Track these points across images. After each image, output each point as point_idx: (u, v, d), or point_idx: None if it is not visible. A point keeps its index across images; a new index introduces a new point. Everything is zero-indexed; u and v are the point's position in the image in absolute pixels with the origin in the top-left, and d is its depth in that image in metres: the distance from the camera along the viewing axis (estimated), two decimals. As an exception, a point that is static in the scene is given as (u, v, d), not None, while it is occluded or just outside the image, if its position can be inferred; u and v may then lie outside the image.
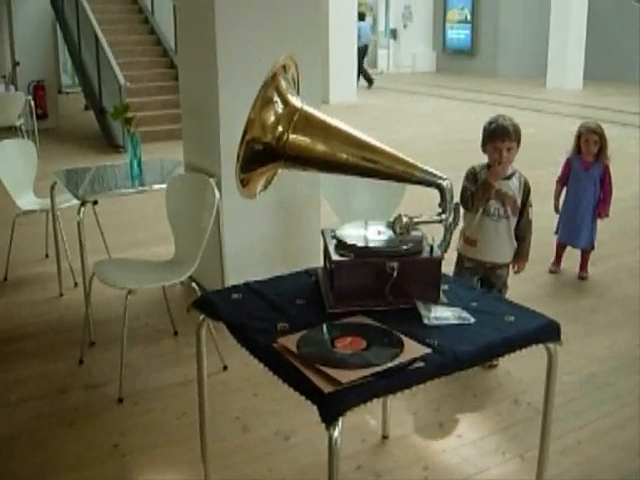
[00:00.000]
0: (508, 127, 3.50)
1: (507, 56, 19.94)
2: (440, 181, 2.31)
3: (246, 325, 2.19)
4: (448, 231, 2.34)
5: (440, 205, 2.33)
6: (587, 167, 4.93)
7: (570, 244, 5.17)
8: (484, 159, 3.64)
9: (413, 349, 1.98)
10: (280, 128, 2.26)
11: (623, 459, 3.04)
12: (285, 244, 4.51)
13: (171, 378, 3.66)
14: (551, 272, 5.16)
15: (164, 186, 3.98)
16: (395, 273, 2.22)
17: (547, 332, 2.24)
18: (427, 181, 2.32)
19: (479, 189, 3.54)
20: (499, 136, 3.50)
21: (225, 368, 3.71)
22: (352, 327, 2.11)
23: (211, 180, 3.79)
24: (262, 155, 2.29)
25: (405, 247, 2.29)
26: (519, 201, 3.61)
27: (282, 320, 2.20)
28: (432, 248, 2.31)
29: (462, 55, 21.37)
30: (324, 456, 1.84)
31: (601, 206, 4.99)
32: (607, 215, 5.05)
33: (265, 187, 2.49)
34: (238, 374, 3.66)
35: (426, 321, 2.18)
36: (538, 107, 13.70)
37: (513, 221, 3.64)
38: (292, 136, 2.27)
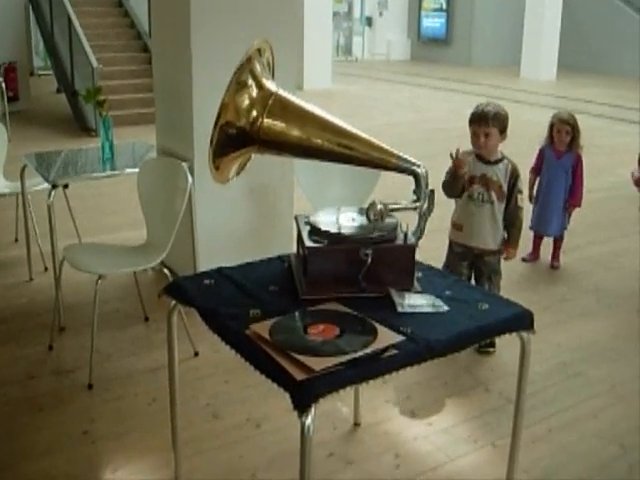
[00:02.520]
0: (487, 112, 3.53)
1: (482, 45, 19.97)
2: (415, 168, 2.30)
3: (218, 311, 2.16)
4: (422, 218, 2.33)
5: (415, 192, 2.32)
6: (559, 156, 4.97)
7: (540, 232, 5.21)
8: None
9: (386, 337, 1.96)
10: (254, 112, 2.23)
11: (595, 447, 3.06)
12: (258, 229, 4.48)
13: (142, 364, 3.62)
14: (524, 260, 5.19)
15: (136, 170, 3.92)
16: (369, 260, 2.20)
17: (521, 321, 2.24)
18: (402, 168, 2.30)
19: (451, 176, 3.55)
20: (476, 120, 3.55)
21: (196, 354, 3.69)
22: (325, 314, 2.09)
23: (183, 164, 3.75)
24: (236, 140, 2.26)
25: (379, 234, 2.28)
26: (505, 187, 3.63)
27: (254, 307, 2.17)
28: (406, 235, 2.30)
29: (437, 43, 21.37)
30: (296, 443, 1.83)
31: (571, 196, 5.02)
32: (578, 206, 5.10)
33: (238, 172, 2.47)
34: (209, 360, 3.63)
35: (400, 309, 2.17)
36: (511, 97, 13.74)
37: (499, 206, 3.66)
38: (266, 121, 2.24)
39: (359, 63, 21.23)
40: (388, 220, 2.29)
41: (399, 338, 1.97)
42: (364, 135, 2.32)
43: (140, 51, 11.57)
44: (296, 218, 2.48)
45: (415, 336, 2.01)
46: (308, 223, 2.39)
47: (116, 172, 4.25)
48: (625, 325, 4.27)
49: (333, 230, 2.30)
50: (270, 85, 2.29)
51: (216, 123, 2.21)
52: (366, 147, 2.30)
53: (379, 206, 2.23)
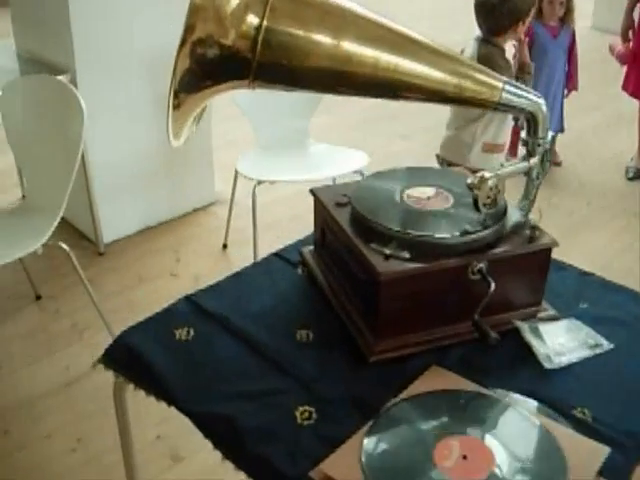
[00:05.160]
0: None
1: None
2: (533, 104, 1.30)
3: (232, 420, 1.13)
4: (534, 185, 1.37)
5: (526, 143, 1.34)
6: (555, 34, 3.94)
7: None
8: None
9: (582, 451, 1.01)
10: (249, 18, 1.16)
11: None
12: (168, 160, 3.40)
13: (46, 376, 2.53)
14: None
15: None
16: (492, 285, 1.21)
17: None
18: (514, 106, 1.30)
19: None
20: None
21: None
22: (442, 404, 1.10)
23: (66, 82, 2.60)
24: (217, 66, 1.19)
25: (493, 230, 1.29)
26: None
27: (291, 391, 1.17)
28: (534, 228, 1.31)
29: None
30: None
31: (570, 79, 4.05)
32: (576, 89, 4.14)
33: (199, 119, 1.41)
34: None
35: (547, 364, 1.23)
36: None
37: None
38: (270, 30, 1.18)
39: None
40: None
41: (604, 450, 1.03)
42: (443, 49, 1.29)
43: None
44: (313, 192, 1.46)
45: (608, 428, 1.08)
46: (347, 204, 1.36)
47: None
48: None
49: (415, 231, 1.27)
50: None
51: (183, 40, 1.13)
52: (454, 74, 1.27)
53: (490, 181, 1.23)
